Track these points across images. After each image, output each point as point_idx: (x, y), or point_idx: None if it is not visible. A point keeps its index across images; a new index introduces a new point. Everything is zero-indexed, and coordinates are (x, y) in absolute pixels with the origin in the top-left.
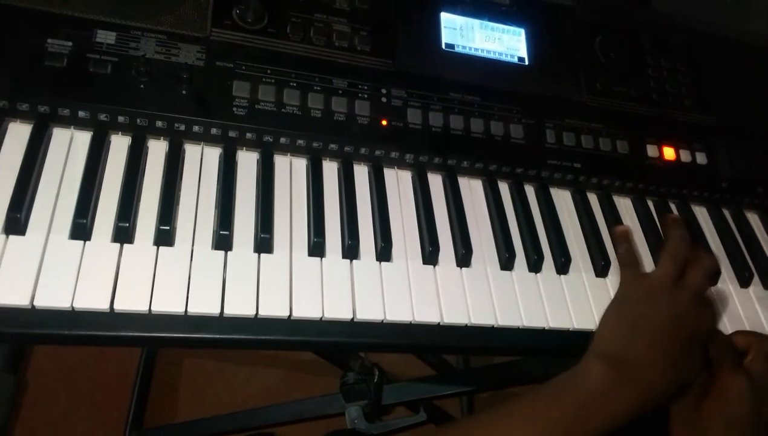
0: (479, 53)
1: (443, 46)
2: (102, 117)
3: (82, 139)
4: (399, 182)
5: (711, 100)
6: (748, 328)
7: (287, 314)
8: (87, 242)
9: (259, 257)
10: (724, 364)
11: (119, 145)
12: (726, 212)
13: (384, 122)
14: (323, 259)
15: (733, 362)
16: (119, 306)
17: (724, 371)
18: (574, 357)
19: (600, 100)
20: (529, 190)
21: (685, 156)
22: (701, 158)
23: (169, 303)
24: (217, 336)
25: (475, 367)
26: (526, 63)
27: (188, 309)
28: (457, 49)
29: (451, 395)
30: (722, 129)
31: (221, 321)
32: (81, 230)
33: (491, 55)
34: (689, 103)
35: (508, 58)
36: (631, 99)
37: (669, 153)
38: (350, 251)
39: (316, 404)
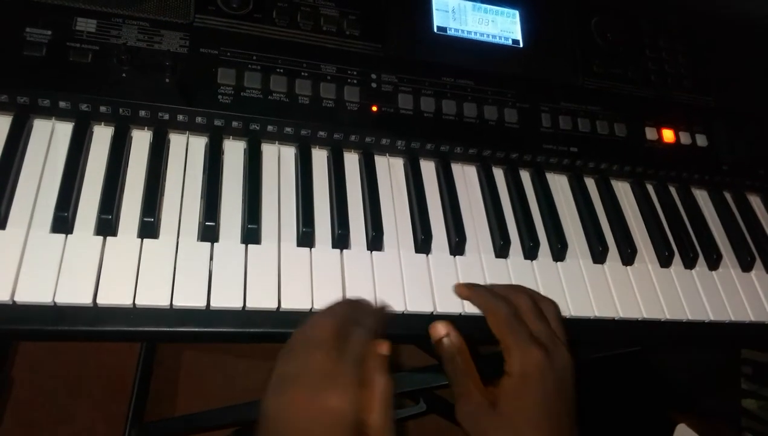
0: (472, 36)
1: (435, 29)
2: (83, 107)
3: (64, 130)
4: (390, 170)
5: (711, 81)
6: (750, 313)
7: (276, 306)
8: (69, 236)
9: (246, 248)
10: (512, 346)
11: (102, 136)
12: (727, 195)
13: (374, 108)
14: (312, 249)
15: (521, 338)
16: (102, 300)
17: (515, 354)
18: (570, 344)
19: (597, 82)
20: (525, 176)
21: (685, 138)
22: (701, 140)
23: (153, 297)
24: (204, 330)
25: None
26: (521, 45)
27: (173, 302)
28: (449, 32)
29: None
30: (722, 110)
31: (208, 314)
32: (62, 223)
33: (485, 38)
34: (688, 85)
35: (502, 41)
36: (629, 81)
37: (668, 135)
38: (340, 240)
39: None
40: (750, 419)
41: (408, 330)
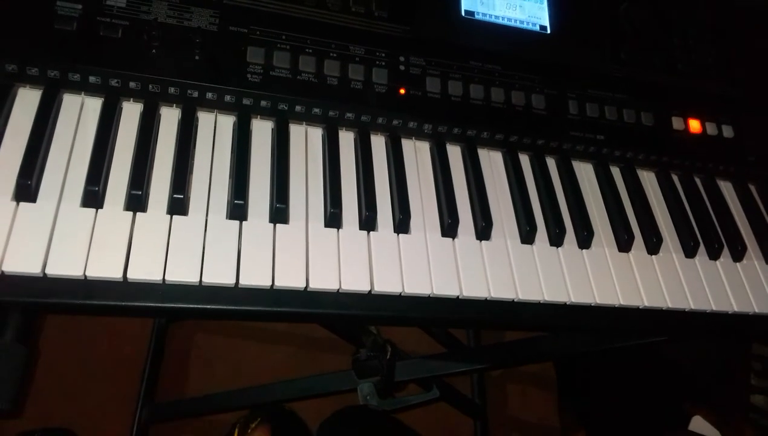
0: (500, 21)
1: (463, 13)
2: (113, 82)
3: (93, 105)
4: (417, 153)
5: (739, 71)
6: None
7: (303, 285)
8: (99, 210)
9: (274, 227)
10: None
11: (131, 112)
12: (752, 187)
13: (402, 91)
14: (340, 230)
15: None
16: (132, 275)
17: None
18: (595, 333)
19: (624, 70)
20: (551, 163)
21: (711, 129)
22: (728, 131)
23: (183, 273)
24: (232, 307)
25: (487, 344)
26: (549, 31)
27: (203, 279)
28: (477, 17)
29: (463, 372)
30: (750, 101)
31: (236, 292)
32: (93, 197)
33: (512, 23)
34: (716, 75)
35: (530, 26)
36: (657, 69)
37: (695, 125)
38: (367, 222)
39: (329, 379)
40: (758, 416)
41: (432, 314)
